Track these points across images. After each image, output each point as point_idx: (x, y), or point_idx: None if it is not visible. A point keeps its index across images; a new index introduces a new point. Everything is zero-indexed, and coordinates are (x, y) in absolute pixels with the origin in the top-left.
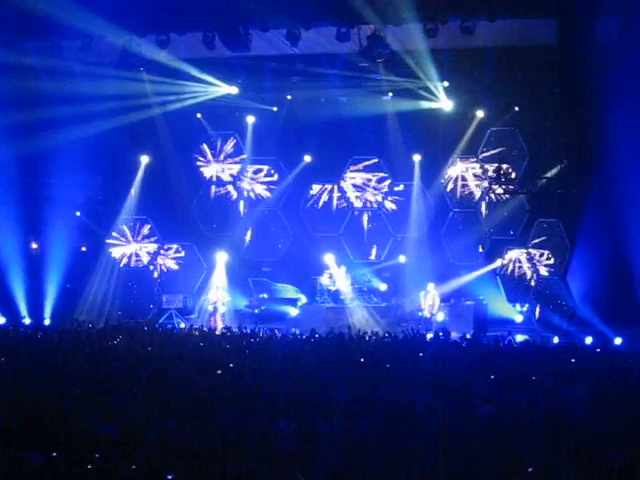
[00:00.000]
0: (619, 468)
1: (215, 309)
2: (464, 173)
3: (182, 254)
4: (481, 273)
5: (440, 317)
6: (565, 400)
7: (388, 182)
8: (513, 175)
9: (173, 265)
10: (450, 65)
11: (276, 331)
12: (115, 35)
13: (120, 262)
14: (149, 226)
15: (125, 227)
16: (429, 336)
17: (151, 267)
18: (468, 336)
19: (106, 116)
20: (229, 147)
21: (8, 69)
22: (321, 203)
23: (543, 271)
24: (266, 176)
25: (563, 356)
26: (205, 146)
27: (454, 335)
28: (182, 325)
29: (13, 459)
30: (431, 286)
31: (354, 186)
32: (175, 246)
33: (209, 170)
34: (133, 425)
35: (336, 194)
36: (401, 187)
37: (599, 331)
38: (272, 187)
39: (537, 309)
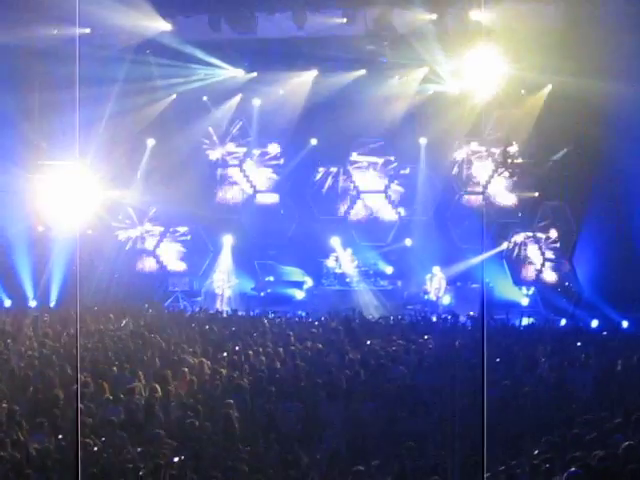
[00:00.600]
0: (624, 451)
1: (222, 292)
2: (470, 156)
3: (188, 237)
4: (487, 256)
5: (446, 300)
6: (572, 382)
7: (394, 165)
8: (520, 158)
9: (179, 248)
10: (456, 47)
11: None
12: (122, 18)
13: (126, 245)
14: (154, 209)
15: (131, 210)
16: (435, 319)
17: (157, 250)
18: (472, 313)
19: (112, 99)
20: (235, 130)
21: (13, 51)
22: (327, 186)
23: (549, 254)
24: (272, 159)
25: (569, 339)
26: (211, 129)
27: (461, 319)
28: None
29: (19, 443)
30: (437, 269)
31: (360, 169)
32: (181, 229)
33: (215, 153)
34: (139, 408)
35: (342, 177)
36: (407, 170)
37: (605, 314)
38: (278, 170)
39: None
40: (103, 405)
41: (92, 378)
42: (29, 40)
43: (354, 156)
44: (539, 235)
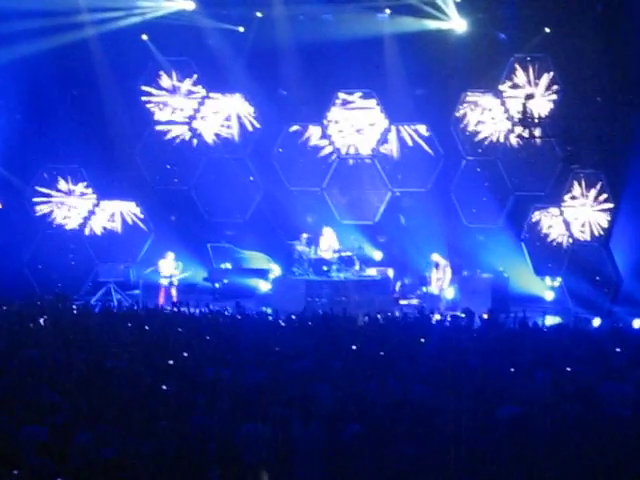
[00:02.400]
0: None
1: (170, 283)
2: (481, 111)
3: (127, 211)
4: (502, 238)
5: (450, 294)
6: (607, 399)
7: (385, 123)
8: (542, 113)
9: (111, 227)
10: None
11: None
12: None
13: (45, 223)
14: (82, 178)
15: (48, 177)
16: (437, 318)
17: (86, 230)
18: (485, 316)
19: (27, 38)
20: (183, 78)
21: None
22: (299, 148)
23: (580, 236)
24: (229, 115)
25: (605, 343)
26: (153, 76)
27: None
28: (123, 303)
29: None
30: (439, 255)
31: (341, 127)
32: (114, 203)
33: (157, 107)
34: (64, 428)
35: (318, 137)
36: (401, 130)
37: None
38: (238, 129)
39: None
40: (20, 424)
41: (4, 392)
42: None
43: (334, 111)
44: (567, 212)
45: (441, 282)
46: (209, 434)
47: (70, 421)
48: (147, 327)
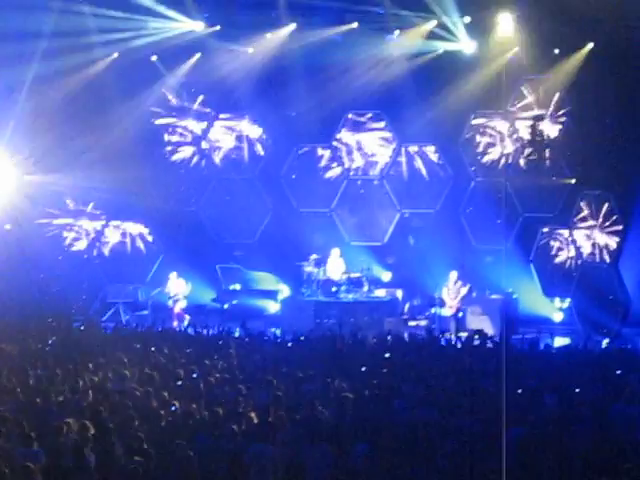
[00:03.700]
0: None
1: (175, 303)
2: (489, 133)
3: (136, 232)
4: (510, 259)
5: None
6: (617, 420)
7: (393, 144)
8: (552, 135)
9: (122, 247)
10: None
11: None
12: None
13: (55, 244)
14: (91, 200)
15: (64, 200)
16: (461, 335)
17: (94, 251)
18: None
19: (36, 58)
20: (192, 99)
21: None
22: (308, 169)
23: (589, 257)
24: (238, 136)
25: (614, 365)
26: (162, 98)
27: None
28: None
29: None
30: (454, 275)
31: (350, 148)
32: (124, 224)
33: (166, 128)
34: (64, 450)
35: (327, 158)
36: (410, 150)
37: None
38: (247, 151)
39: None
40: (20, 446)
41: (8, 413)
42: None
43: (343, 133)
44: (576, 233)
45: (455, 302)
46: (218, 454)
47: (78, 442)
48: (154, 348)
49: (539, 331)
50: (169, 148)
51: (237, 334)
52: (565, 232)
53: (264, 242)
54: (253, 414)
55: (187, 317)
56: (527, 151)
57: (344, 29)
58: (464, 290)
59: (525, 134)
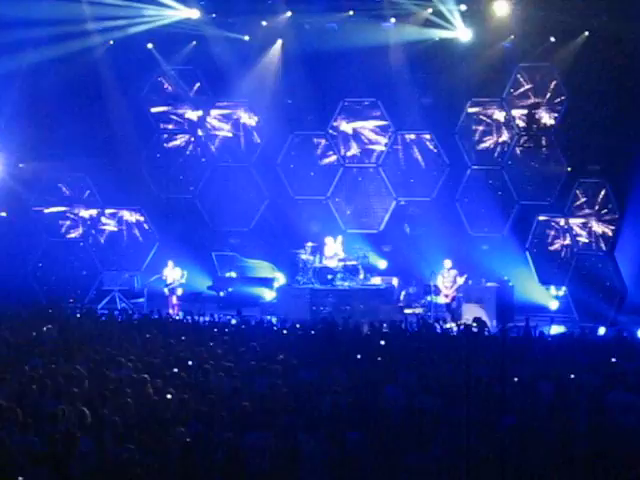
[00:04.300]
0: None
1: (172, 291)
2: (485, 120)
3: (132, 219)
4: (506, 247)
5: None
6: (613, 408)
7: (389, 132)
8: (548, 123)
9: (117, 234)
10: None
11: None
12: None
13: (50, 231)
14: (86, 187)
15: (52, 185)
16: (450, 326)
17: (90, 238)
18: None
19: (33, 46)
20: (188, 86)
21: None
22: (304, 157)
23: (585, 245)
24: (235, 123)
25: (610, 352)
26: (158, 85)
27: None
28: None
29: None
30: (448, 263)
31: (346, 136)
32: (120, 211)
33: (162, 116)
34: (63, 437)
35: (323, 146)
36: (406, 138)
37: None
38: (243, 138)
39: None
40: (16, 434)
41: (4, 400)
42: None
43: (339, 121)
44: (572, 221)
45: (451, 291)
46: (214, 443)
47: (73, 429)
48: (150, 335)
49: (534, 319)
50: (165, 136)
51: (233, 322)
52: (561, 220)
53: (260, 230)
54: (248, 402)
55: (180, 313)
56: (523, 139)
57: (340, 17)
58: (460, 280)
59: (521, 122)
